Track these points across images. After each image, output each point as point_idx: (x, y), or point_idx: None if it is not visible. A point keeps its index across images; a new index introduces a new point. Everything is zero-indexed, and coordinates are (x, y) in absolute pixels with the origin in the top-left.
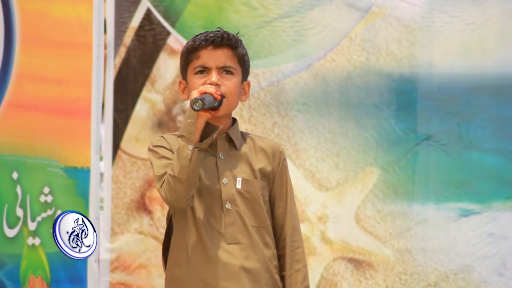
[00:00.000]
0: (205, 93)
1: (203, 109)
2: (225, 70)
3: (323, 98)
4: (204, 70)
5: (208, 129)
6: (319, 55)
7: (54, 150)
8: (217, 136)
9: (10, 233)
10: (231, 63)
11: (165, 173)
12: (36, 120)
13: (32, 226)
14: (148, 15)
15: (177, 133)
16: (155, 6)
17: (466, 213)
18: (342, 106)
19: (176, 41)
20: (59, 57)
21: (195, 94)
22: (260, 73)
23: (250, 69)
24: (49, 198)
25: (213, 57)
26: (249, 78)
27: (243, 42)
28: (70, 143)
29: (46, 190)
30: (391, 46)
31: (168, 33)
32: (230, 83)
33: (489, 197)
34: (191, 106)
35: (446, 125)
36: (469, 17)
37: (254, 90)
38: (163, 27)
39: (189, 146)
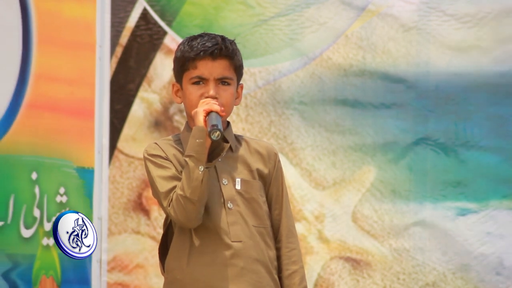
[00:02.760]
0: (211, 111)
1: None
2: (222, 81)
3: (320, 97)
4: (201, 81)
5: (213, 145)
6: (315, 54)
7: (68, 151)
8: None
9: (27, 233)
10: (228, 73)
11: (171, 189)
12: (52, 121)
13: (47, 226)
14: (144, 14)
15: (170, 137)
16: (151, 6)
17: (463, 212)
18: (339, 105)
19: (173, 41)
20: (70, 57)
21: (201, 113)
22: (256, 71)
23: (247, 68)
24: (64, 199)
25: (210, 68)
26: (246, 77)
27: (239, 41)
28: (80, 143)
29: (62, 190)
30: (388, 44)
31: (165, 33)
32: (226, 94)
33: (486, 196)
34: (209, 135)
35: (443, 123)
36: (465, 15)
37: (250, 89)
38: (160, 26)
39: (200, 167)
